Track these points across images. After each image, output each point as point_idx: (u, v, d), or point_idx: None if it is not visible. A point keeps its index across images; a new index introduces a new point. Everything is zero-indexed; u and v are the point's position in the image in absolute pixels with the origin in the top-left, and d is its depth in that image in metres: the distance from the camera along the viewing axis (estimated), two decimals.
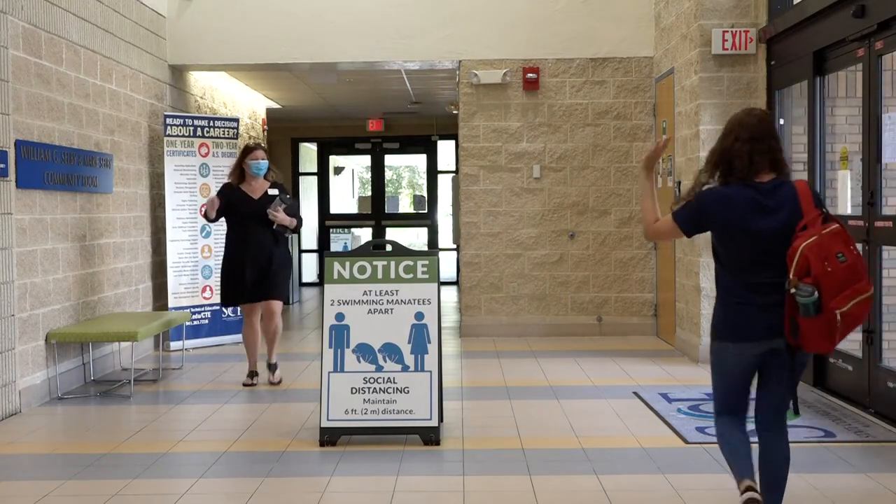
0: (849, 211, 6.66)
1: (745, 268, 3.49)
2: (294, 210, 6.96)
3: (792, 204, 3.41)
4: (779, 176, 3.49)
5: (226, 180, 7.19)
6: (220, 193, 6.93)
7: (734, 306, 3.52)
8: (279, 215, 6.76)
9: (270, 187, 6.93)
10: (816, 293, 3.24)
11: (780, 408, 3.63)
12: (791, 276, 3.28)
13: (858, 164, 6.26)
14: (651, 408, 6.04)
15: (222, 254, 7.13)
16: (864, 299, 3.28)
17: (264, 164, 6.94)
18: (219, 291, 9.03)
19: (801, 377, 3.64)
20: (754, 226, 3.42)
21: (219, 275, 9.13)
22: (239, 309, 7.94)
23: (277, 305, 7.01)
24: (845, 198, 6.80)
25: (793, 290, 3.28)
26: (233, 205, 6.87)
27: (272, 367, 7.14)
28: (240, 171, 6.96)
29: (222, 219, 7.01)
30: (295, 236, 13.65)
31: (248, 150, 6.94)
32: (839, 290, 3.25)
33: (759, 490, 3.53)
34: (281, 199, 6.77)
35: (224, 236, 7.22)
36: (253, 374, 7.08)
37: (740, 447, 3.60)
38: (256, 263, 6.82)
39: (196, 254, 8.96)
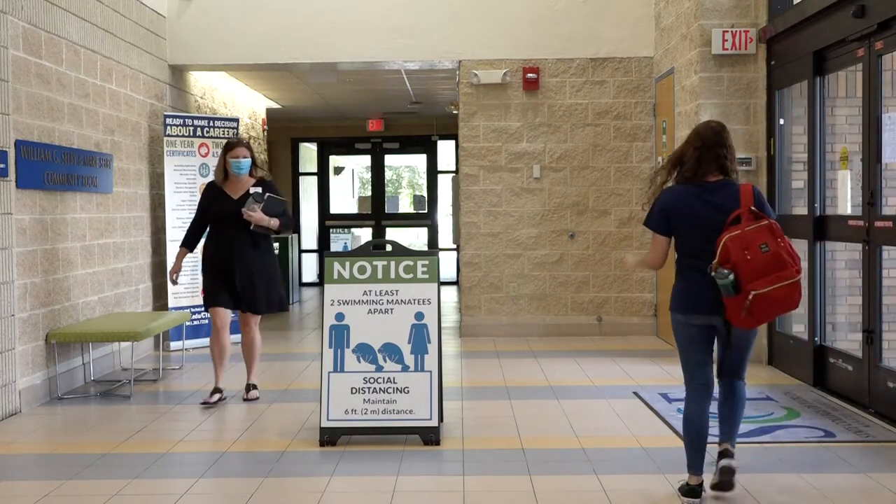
0: (849, 211, 6.66)
1: (693, 253, 4.15)
2: (277, 208, 6.27)
3: (735, 201, 4.03)
4: (725, 178, 4.14)
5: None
6: (203, 194, 6.54)
7: (685, 284, 4.19)
8: (255, 215, 6.15)
9: (254, 185, 6.35)
10: (731, 276, 3.87)
11: (733, 367, 4.24)
12: (713, 262, 3.96)
13: (858, 164, 6.27)
14: (651, 408, 6.04)
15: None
16: (787, 284, 3.88)
17: (245, 162, 6.37)
18: None
19: (749, 344, 4.22)
20: (697, 217, 4.10)
21: None
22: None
23: (253, 318, 6.44)
24: (845, 198, 6.80)
25: (712, 274, 3.94)
26: (212, 206, 6.40)
27: (250, 387, 6.56)
28: (224, 169, 6.44)
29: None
30: (295, 236, 13.71)
31: (228, 147, 6.40)
32: (759, 275, 3.87)
33: (702, 488, 4.17)
34: (255, 198, 6.16)
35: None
36: (216, 390, 6.38)
37: (699, 436, 4.16)
38: (231, 270, 6.28)
39: (196, 254, 8.93)
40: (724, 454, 4.17)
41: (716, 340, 4.20)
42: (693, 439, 4.16)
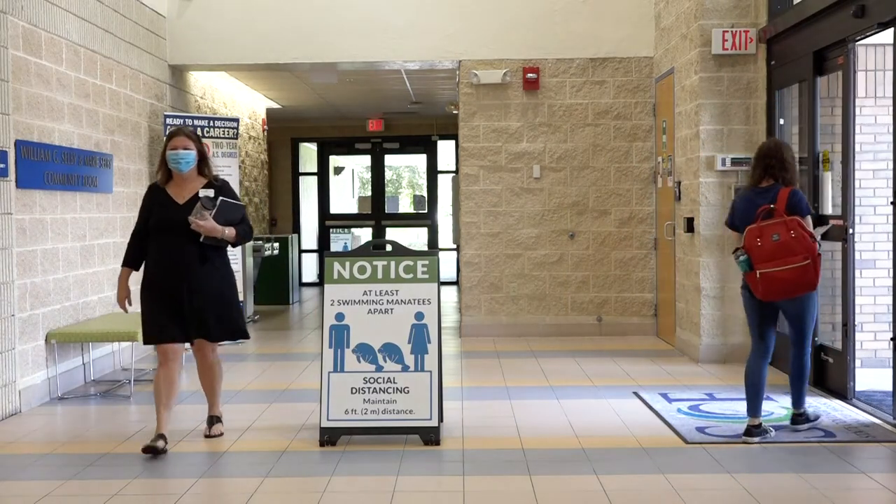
0: (829, 211, 6.69)
1: None
2: (232, 215, 5.18)
3: (775, 202, 5.05)
4: (775, 183, 5.13)
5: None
6: (144, 199, 5.36)
7: None
8: (204, 224, 5.02)
9: (205, 187, 5.23)
10: (744, 257, 5.06)
11: (791, 338, 5.32)
12: (736, 247, 5.18)
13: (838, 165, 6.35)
14: (651, 408, 6.04)
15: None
16: (793, 267, 4.93)
17: (187, 155, 5.17)
18: None
19: (802, 322, 5.22)
20: (747, 215, 5.15)
21: None
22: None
23: (208, 346, 5.35)
24: (827, 198, 6.83)
25: (733, 255, 5.19)
26: (153, 212, 5.22)
27: (213, 419, 5.51)
28: (167, 168, 5.25)
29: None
30: (294, 236, 13.72)
31: (168, 138, 5.26)
32: (767, 259, 4.97)
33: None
34: (204, 203, 5.06)
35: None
36: (159, 437, 5.07)
37: (753, 386, 5.26)
38: (178, 292, 5.13)
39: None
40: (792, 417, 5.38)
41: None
42: (748, 389, 5.26)
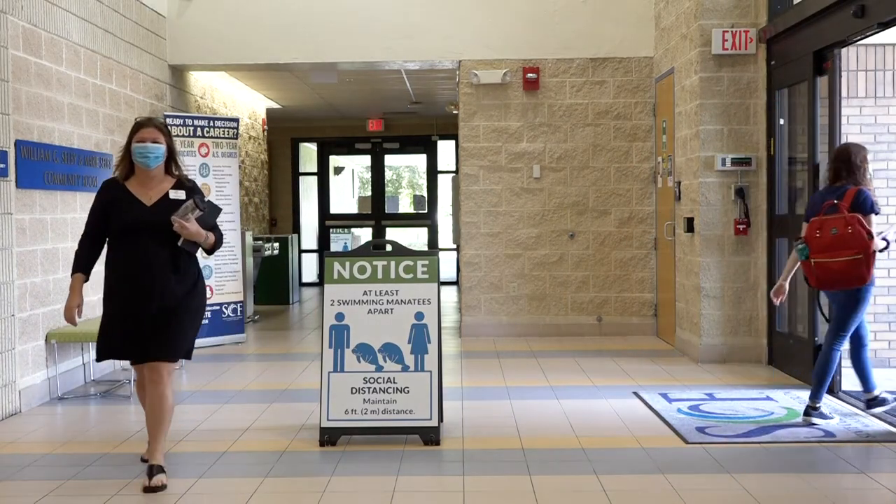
0: None
1: None
2: (210, 221, 4.65)
3: (841, 199, 5.40)
4: (843, 183, 5.46)
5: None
6: (99, 197, 4.67)
7: None
8: (190, 226, 4.48)
9: (174, 187, 4.65)
10: (801, 246, 5.43)
11: (830, 327, 5.66)
12: (798, 237, 5.61)
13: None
14: (651, 408, 6.04)
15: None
16: (843, 261, 5.26)
17: (157, 149, 4.57)
18: (218, 291, 9.16)
19: (845, 313, 5.47)
20: (814, 209, 5.53)
21: (220, 275, 9.26)
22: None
23: (165, 369, 4.58)
24: None
25: (794, 243, 5.60)
26: (114, 212, 4.57)
27: (154, 470, 4.50)
28: (129, 162, 4.63)
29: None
30: (294, 236, 13.72)
31: (134, 129, 4.60)
32: (823, 250, 5.33)
33: (815, 408, 5.59)
34: (196, 203, 4.52)
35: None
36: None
37: (819, 374, 5.61)
38: (147, 302, 4.51)
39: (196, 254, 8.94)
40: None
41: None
42: (815, 374, 5.65)
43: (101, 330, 4.63)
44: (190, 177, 4.83)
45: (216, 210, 4.73)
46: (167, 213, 4.49)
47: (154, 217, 4.53)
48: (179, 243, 4.55)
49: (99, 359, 4.72)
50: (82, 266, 4.64)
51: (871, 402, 5.60)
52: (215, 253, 4.88)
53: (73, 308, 4.60)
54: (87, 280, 4.62)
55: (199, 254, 4.74)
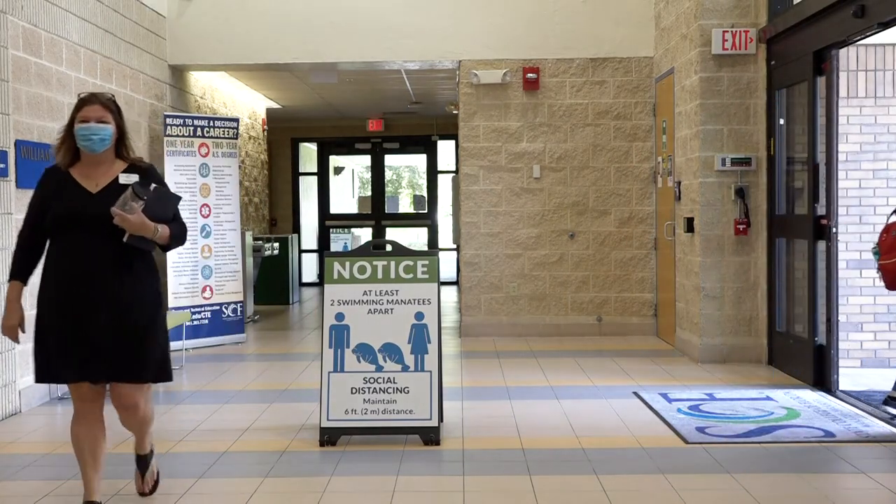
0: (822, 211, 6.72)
1: None
2: (165, 210, 3.95)
3: None
4: None
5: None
6: (39, 187, 3.96)
7: None
8: (132, 218, 3.76)
9: (126, 171, 3.96)
10: (874, 248, 5.69)
11: None
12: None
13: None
14: (651, 408, 6.03)
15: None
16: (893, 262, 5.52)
17: (103, 130, 3.86)
18: (218, 291, 9.17)
19: None
20: None
21: (220, 275, 9.27)
22: None
23: (134, 391, 3.99)
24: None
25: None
26: (54, 202, 3.86)
27: (143, 462, 4.34)
28: (73, 147, 3.92)
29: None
30: (294, 236, 13.71)
31: (77, 107, 3.90)
32: (886, 251, 5.57)
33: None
34: (136, 191, 3.79)
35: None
36: None
37: None
38: (85, 307, 3.80)
39: (196, 254, 8.96)
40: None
41: None
42: None
43: (38, 345, 3.87)
44: (142, 162, 4.06)
45: (171, 198, 4.03)
46: (112, 204, 3.77)
47: (99, 207, 3.79)
48: (125, 239, 3.81)
49: (38, 380, 3.93)
50: (18, 271, 3.92)
51: (890, 401, 5.73)
52: (179, 246, 4.17)
53: (13, 327, 3.91)
54: (25, 286, 3.95)
55: (178, 250, 4.35)
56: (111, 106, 3.94)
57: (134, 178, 3.93)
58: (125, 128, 4.01)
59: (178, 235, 4.05)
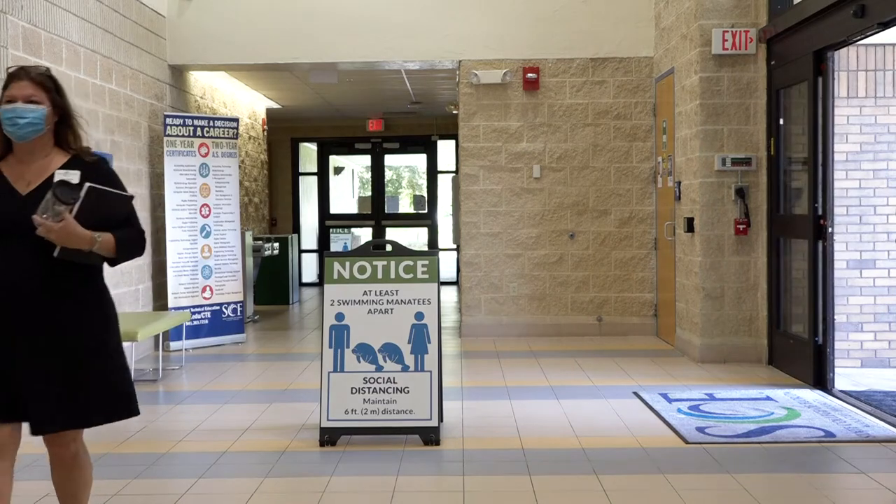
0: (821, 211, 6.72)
1: None
2: (109, 211, 3.17)
3: None
4: None
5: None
6: None
7: None
8: (59, 227, 2.99)
9: (67, 166, 3.17)
10: None
11: None
12: None
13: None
14: (651, 408, 6.03)
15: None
16: None
17: (32, 112, 3.10)
18: (218, 291, 9.17)
19: None
20: None
21: (220, 275, 9.26)
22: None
23: (70, 440, 3.29)
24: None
25: None
26: None
27: None
28: (4, 136, 3.15)
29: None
30: (294, 236, 13.71)
31: (5, 84, 3.18)
32: None
33: None
34: (56, 194, 3.00)
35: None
36: None
37: None
38: (16, 336, 3.08)
39: (196, 254, 8.96)
40: None
41: None
42: None
43: None
44: (88, 155, 3.25)
45: (117, 199, 3.19)
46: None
47: (28, 211, 3.02)
48: (56, 253, 3.06)
49: None
50: None
51: None
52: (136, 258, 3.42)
53: None
54: None
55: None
56: (46, 82, 3.16)
57: (75, 175, 3.10)
58: (70, 108, 3.21)
59: (131, 244, 3.24)
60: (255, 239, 11.49)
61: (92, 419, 3.22)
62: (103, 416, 3.23)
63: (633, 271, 9.41)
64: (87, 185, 3.07)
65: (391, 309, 5.35)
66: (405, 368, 5.28)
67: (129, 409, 3.27)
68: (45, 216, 3.00)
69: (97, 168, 3.22)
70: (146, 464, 4.90)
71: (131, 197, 3.27)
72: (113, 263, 3.28)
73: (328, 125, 16.17)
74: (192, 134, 8.98)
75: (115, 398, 3.24)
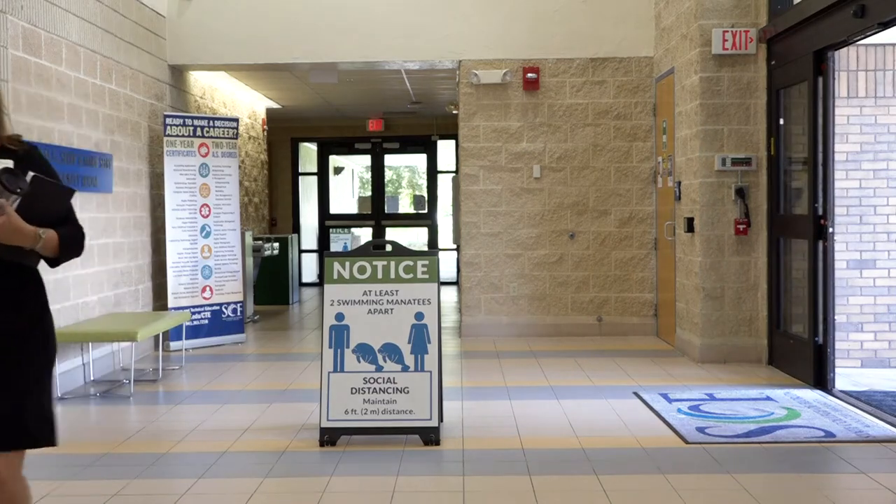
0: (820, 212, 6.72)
1: None
2: (50, 205, 2.84)
3: None
4: None
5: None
6: None
7: None
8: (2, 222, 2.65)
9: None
10: None
11: None
12: None
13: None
14: (651, 408, 6.03)
15: None
16: None
17: None
18: (218, 291, 9.17)
19: None
20: None
21: (220, 275, 9.26)
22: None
23: (16, 459, 2.86)
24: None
25: None
26: None
27: None
28: None
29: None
30: (294, 236, 13.70)
31: None
32: None
33: None
34: (7, 181, 2.68)
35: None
36: None
37: None
38: None
39: (196, 254, 8.96)
40: None
41: None
42: None
43: None
44: (20, 147, 2.88)
45: (60, 191, 2.90)
46: None
47: None
48: None
49: None
50: None
51: None
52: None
53: None
54: None
55: (77, 261, 3.13)
56: None
57: (7, 163, 2.77)
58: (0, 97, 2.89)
59: (72, 242, 2.90)
60: (254, 239, 11.49)
61: (20, 440, 2.82)
62: (31, 440, 2.84)
63: (633, 271, 9.40)
64: (32, 174, 2.73)
65: (391, 309, 5.35)
66: (405, 368, 5.27)
67: (52, 436, 2.88)
68: None
69: (31, 157, 2.85)
70: (146, 464, 4.90)
71: (73, 191, 2.96)
72: (54, 263, 2.91)
73: (328, 125, 16.17)
74: (192, 134, 8.98)
75: (47, 418, 2.87)
